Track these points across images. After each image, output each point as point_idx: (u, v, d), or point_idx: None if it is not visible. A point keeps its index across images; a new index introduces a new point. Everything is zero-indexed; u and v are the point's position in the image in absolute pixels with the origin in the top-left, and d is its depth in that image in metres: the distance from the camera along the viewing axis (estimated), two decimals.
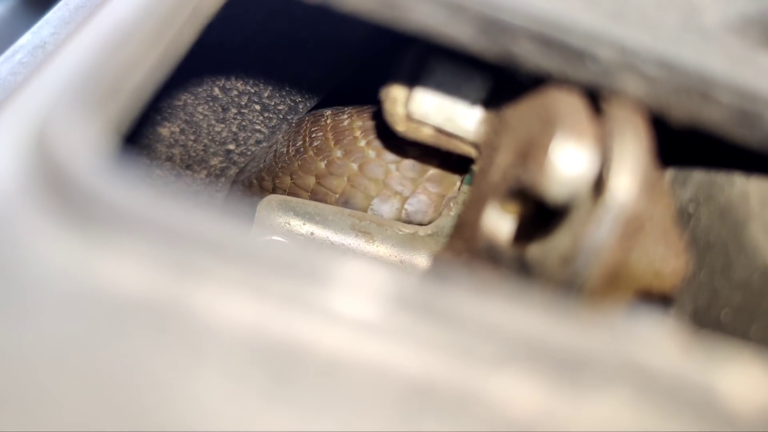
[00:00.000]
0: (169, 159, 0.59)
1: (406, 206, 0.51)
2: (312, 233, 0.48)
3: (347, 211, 0.49)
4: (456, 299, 0.14)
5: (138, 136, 0.56)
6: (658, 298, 0.27)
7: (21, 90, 0.17)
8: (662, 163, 0.36)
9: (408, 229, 0.49)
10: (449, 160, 0.48)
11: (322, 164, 0.52)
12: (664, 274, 0.26)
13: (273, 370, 0.13)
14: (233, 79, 0.55)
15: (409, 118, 0.39)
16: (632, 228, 0.25)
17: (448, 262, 0.29)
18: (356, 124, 0.52)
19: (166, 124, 0.58)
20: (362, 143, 0.51)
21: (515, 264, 0.28)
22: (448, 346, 0.14)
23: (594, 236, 0.25)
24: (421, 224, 0.50)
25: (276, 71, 0.54)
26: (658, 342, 0.16)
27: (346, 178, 0.51)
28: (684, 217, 0.35)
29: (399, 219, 0.51)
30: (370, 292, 0.14)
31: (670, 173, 0.36)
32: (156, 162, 0.59)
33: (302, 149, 0.53)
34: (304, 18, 0.53)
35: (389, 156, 0.49)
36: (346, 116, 0.52)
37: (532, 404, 0.14)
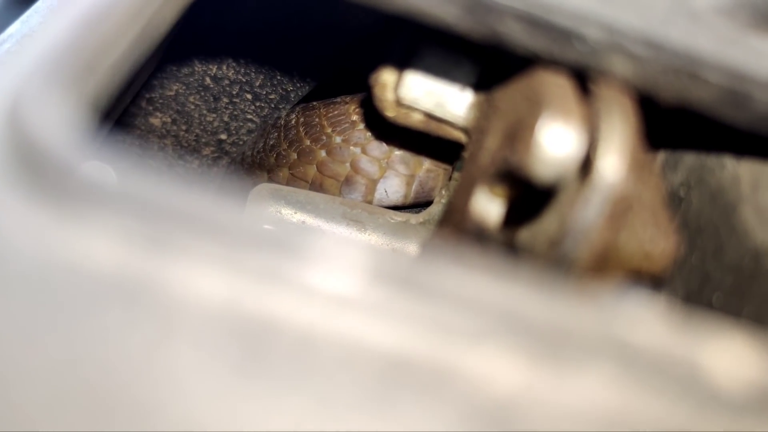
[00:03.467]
0: (162, 149, 0.59)
1: (414, 186, 0.50)
2: (303, 222, 0.48)
3: (338, 199, 0.49)
4: (435, 273, 0.14)
5: (128, 125, 0.56)
6: (648, 280, 0.27)
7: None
8: (653, 145, 0.36)
9: (400, 217, 0.49)
10: (439, 146, 0.47)
11: (322, 153, 0.52)
12: (654, 256, 0.26)
13: (247, 344, 0.13)
14: (224, 68, 0.55)
15: (399, 103, 0.38)
16: (620, 208, 0.25)
17: (438, 247, 0.29)
18: (352, 108, 0.52)
19: (158, 114, 0.58)
20: (361, 126, 0.51)
21: (504, 248, 0.28)
22: (425, 320, 0.14)
23: (582, 217, 0.24)
24: (427, 203, 0.50)
25: (267, 60, 0.54)
26: (643, 319, 0.16)
27: (348, 164, 0.51)
28: (675, 201, 0.35)
29: (407, 199, 0.51)
30: (347, 266, 0.14)
31: (660, 157, 0.36)
32: (148, 152, 0.58)
33: (297, 140, 0.52)
34: (295, 6, 0.53)
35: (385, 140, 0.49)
36: (340, 102, 0.52)
37: (512, 380, 0.14)
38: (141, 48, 0.19)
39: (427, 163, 0.50)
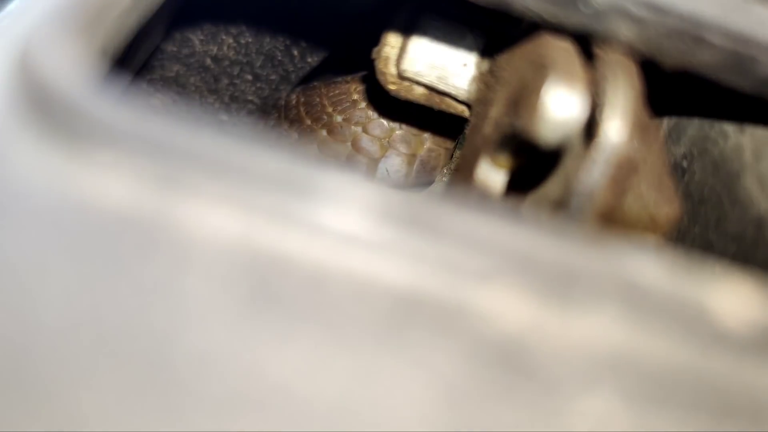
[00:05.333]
0: None
1: (415, 165, 0.50)
2: None
3: None
4: (444, 213, 0.14)
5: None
6: (651, 244, 0.27)
7: (3, 14, 0.16)
8: (657, 112, 0.36)
9: None
10: (441, 123, 0.47)
11: (323, 132, 0.51)
12: (658, 219, 0.26)
13: (257, 279, 0.13)
14: (225, 48, 0.55)
15: (401, 77, 0.38)
16: (625, 171, 0.25)
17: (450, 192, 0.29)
18: (353, 87, 0.52)
19: (158, 96, 0.58)
20: (363, 105, 0.51)
21: None
22: (435, 258, 0.14)
23: (586, 179, 0.25)
24: (429, 182, 0.50)
25: (267, 40, 0.54)
26: (649, 261, 0.16)
27: (349, 143, 0.51)
28: (678, 172, 0.35)
29: (409, 178, 0.51)
30: (357, 204, 0.14)
31: (664, 126, 0.36)
32: (165, 98, 0.58)
33: (298, 119, 0.52)
34: None
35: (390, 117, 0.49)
36: (341, 82, 0.52)
37: (521, 318, 0.14)
38: (147, 2, 0.19)
39: (428, 143, 0.50)
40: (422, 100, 0.39)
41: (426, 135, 0.49)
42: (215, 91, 0.57)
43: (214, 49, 0.56)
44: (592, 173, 0.24)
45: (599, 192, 0.25)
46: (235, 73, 0.56)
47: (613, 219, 0.25)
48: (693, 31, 0.26)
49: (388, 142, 0.50)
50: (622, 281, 0.15)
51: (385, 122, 0.49)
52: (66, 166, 0.14)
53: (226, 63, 0.56)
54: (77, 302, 0.13)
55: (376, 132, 0.50)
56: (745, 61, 0.27)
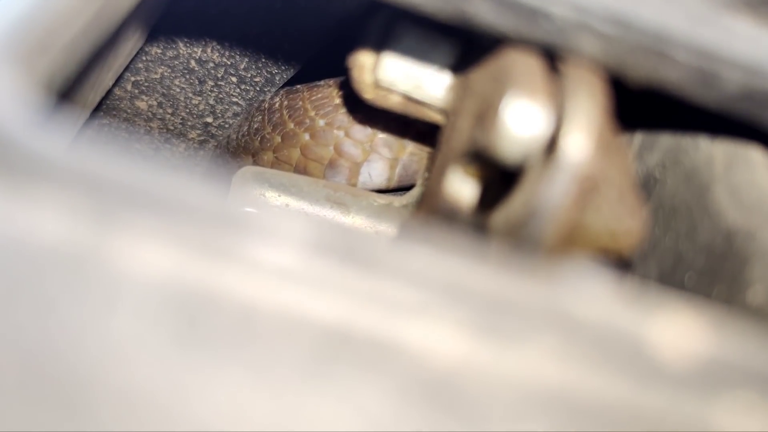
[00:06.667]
0: (148, 132, 0.59)
1: (397, 169, 0.50)
2: (287, 205, 0.48)
3: (322, 182, 0.49)
4: (377, 247, 0.14)
5: (114, 108, 0.56)
6: (616, 260, 0.27)
7: None
8: (627, 126, 0.36)
9: (383, 200, 0.49)
10: (422, 129, 0.47)
11: (306, 136, 0.52)
12: (620, 235, 0.26)
13: (186, 316, 0.13)
14: (209, 50, 0.55)
15: (378, 85, 0.38)
16: (586, 187, 0.25)
17: (414, 228, 0.29)
18: (336, 91, 0.52)
19: (144, 98, 0.58)
20: (345, 109, 0.51)
21: (477, 230, 0.28)
22: (366, 293, 0.14)
23: (547, 196, 0.25)
24: (411, 186, 0.50)
25: (252, 43, 0.54)
26: (591, 293, 0.16)
27: (331, 147, 0.51)
28: (651, 182, 0.35)
29: (391, 182, 0.51)
30: (289, 239, 0.14)
31: (637, 138, 0.36)
32: (135, 135, 0.59)
33: (281, 123, 0.52)
34: None
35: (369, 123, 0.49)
36: (323, 86, 0.52)
37: (452, 353, 0.14)
38: (100, 27, 0.19)
39: (410, 147, 0.50)
40: (398, 109, 0.39)
41: (408, 139, 0.49)
42: (200, 93, 0.57)
43: (199, 52, 0.56)
44: (553, 190, 0.24)
45: (560, 209, 0.25)
46: (220, 75, 0.56)
47: (575, 235, 0.25)
48: (657, 47, 0.26)
49: (370, 146, 0.50)
50: (560, 313, 0.15)
51: (367, 126, 0.49)
52: (0, 201, 0.14)
53: (211, 65, 0.56)
54: (4, 342, 0.13)
55: (359, 136, 0.50)
56: (709, 78, 0.27)
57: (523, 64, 0.26)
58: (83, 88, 0.25)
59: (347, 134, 0.50)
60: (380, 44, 0.38)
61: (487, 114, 0.26)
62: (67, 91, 0.19)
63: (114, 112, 0.58)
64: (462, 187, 0.31)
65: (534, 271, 0.16)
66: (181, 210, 0.14)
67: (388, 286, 0.14)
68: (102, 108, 0.57)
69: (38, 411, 0.12)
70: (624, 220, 0.26)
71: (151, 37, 0.52)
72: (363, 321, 0.14)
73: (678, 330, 0.16)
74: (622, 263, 0.29)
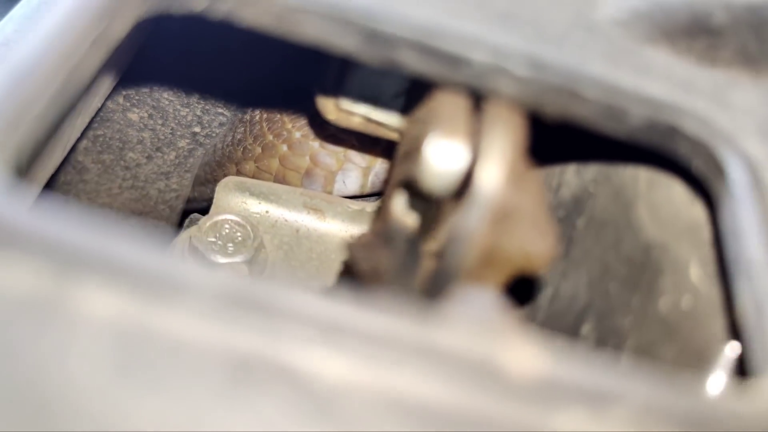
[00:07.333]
0: (140, 142, 0.62)
1: (370, 177, 0.54)
2: (267, 211, 0.51)
3: (299, 190, 0.52)
4: (277, 294, 0.18)
5: (108, 120, 0.60)
6: (532, 278, 0.31)
7: None
8: (563, 153, 0.39)
9: (356, 206, 0.52)
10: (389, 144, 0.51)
11: (284, 147, 0.55)
12: (533, 256, 0.29)
13: (127, 351, 0.17)
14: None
15: (339, 108, 0.42)
16: (499, 215, 0.28)
17: (358, 248, 0.33)
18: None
19: (135, 110, 0.61)
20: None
21: (410, 250, 0.31)
22: (268, 330, 0.17)
23: (463, 225, 0.28)
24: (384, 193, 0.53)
25: (224, 80, 0.57)
26: (462, 324, 0.19)
27: (308, 157, 0.54)
28: (585, 195, 0.38)
29: (364, 189, 0.54)
30: (208, 288, 0.18)
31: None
32: (128, 145, 0.62)
33: (261, 135, 0.56)
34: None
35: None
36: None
37: (338, 376, 0.17)
38: (63, 102, 0.23)
39: (382, 156, 0.53)
40: (360, 128, 0.42)
41: (376, 154, 0.52)
42: (187, 104, 0.60)
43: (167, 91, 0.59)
44: (469, 219, 0.28)
45: (475, 236, 0.28)
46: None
47: (493, 258, 0.29)
48: (569, 87, 0.29)
49: (344, 155, 0.53)
50: (428, 344, 0.18)
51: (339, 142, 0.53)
52: None
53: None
54: None
55: (333, 147, 0.53)
56: (617, 112, 0.30)
57: (449, 106, 0.30)
58: (51, 145, 0.28)
59: (322, 145, 0.53)
60: (340, 69, 0.41)
61: (415, 149, 0.29)
62: (34, 155, 0.22)
63: (108, 124, 0.62)
64: (407, 210, 0.34)
65: (410, 310, 0.20)
66: (124, 266, 0.18)
67: (285, 325, 0.18)
68: (96, 120, 0.60)
69: (11, 425, 0.16)
70: (536, 243, 0.29)
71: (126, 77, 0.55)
72: (265, 352, 0.17)
73: (525, 354, 0.19)
74: (536, 279, 0.32)
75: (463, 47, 0.29)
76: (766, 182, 0.29)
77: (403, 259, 0.30)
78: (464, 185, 0.28)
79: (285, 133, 0.54)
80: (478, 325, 0.20)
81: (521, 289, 0.36)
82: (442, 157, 0.28)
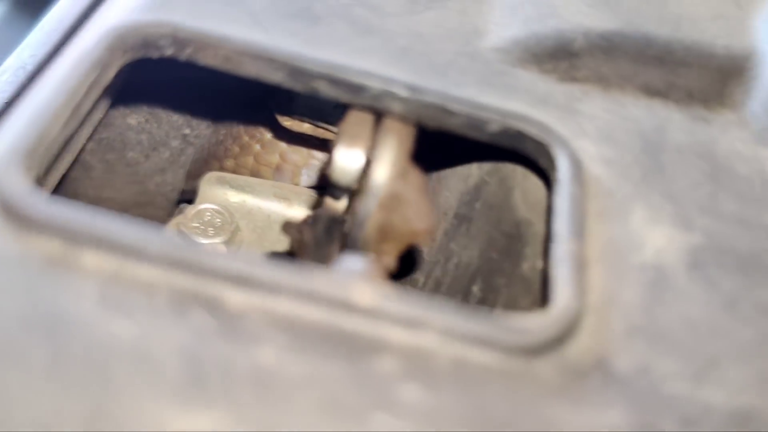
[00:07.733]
0: (139, 143, 0.73)
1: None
2: (244, 201, 0.61)
3: (271, 182, 0.62)
4: (207, 253, 0.28)
5: (109, 125, 0.70)
6: (419, 247, 0.41)
7: None
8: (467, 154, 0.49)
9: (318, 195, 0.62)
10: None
11: (257, 146, 0.65)
12: (418, 232, 0.39)
13: (111, 290, 0.27)
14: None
15: (292, 117, 0.52)
16: (389, 201, 0.38)
17: (291, 227, 0.43)
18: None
19: (133, 116, 0.72)
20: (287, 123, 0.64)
21: (329, 229, 0.42)
22: (198, 275, 0.28)
23: (362, 209, 0.38)
24: None
25: (205, 93, 0.67)
26: (329, 274, 0.30)
27: (278, 155, 0.65)
28: (482, 183, 0.48)
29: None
30: (164, 250, 0.28)
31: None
32: (128, 146, 0.73)
33: (239, 136, 0.66)
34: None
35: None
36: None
37: (240, 304, 0.28)
38: (70, 129, 0.33)
39: None
40: (310, 132, 0.53)
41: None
42: (178, 111, 0.71)
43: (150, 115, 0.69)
44: (366, 204, 0.38)
45: (371, 218, 0.38)
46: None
47: (387, 233, 0.39)
48: (440, 104, 0.39)
49: (308, 153, 0.64)
50: (303, 284, 0.29)
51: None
52: (12, 236, 0.28)
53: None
54: None
55: (298, 146, 0.63)
56: (478, 122, 0.40)
57: (358, 119, 0.40)
58: (63, 155, 0.39)
59: (289, 145, 0.64)
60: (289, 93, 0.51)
61: (330, 154, 0.40)
62: (50, 167, 0.33)
63: (110, 128, 0.72)
64: (336, 199, 0.44)
65: (304, 267, 0.30)
66: (110, 239, 0.28)
67: (210, 272, 0.28)
68: (100, 125, 0.71)
69: (37, 339, 0.27)
70: (420, 222, 0.39)
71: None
72: (197, 288, 0.28)
73: (370, 291, 0.29)
74: (420, 249, 0.42)
75: (361, 78, 0.39)
76: (587, 173, 0.39)
77: (321, 236, 0.41)
78: (363, 180, 0.39)
79: (258, 134, 0.64)
80: (347, 274, 0.31)
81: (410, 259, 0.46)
82: (345, 159, 0.38)
